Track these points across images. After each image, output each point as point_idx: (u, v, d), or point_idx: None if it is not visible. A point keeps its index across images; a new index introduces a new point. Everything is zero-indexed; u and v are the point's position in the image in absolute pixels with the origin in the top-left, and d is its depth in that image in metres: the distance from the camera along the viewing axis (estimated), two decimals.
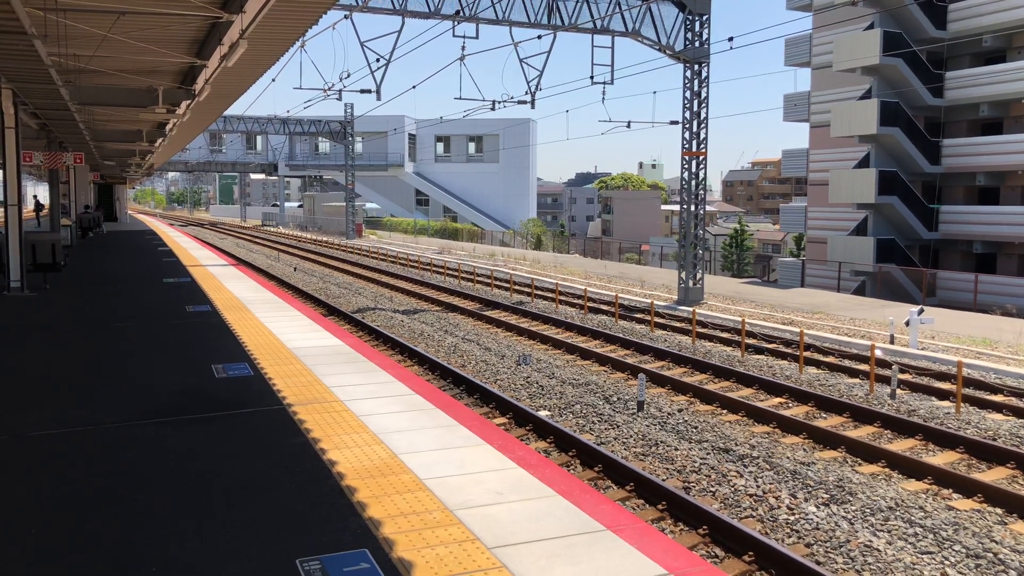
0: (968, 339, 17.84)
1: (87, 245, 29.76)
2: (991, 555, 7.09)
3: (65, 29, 9.91)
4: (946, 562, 6.97)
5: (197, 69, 13.72)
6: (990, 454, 9.85)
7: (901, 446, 10.34)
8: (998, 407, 12.17)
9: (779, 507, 8.13)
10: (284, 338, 10.85)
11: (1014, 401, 12.56)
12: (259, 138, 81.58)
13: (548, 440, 10.17)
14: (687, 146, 24.76)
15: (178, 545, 4.43)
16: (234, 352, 9.73)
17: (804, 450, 10.13)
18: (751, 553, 6.89)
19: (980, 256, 31.81)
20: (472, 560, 4.29)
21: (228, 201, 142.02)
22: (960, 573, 6.78)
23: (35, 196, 39.68)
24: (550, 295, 25.23)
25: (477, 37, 23.11)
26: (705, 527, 7.43)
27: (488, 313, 21.24)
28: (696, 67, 24.52)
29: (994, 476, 9.27)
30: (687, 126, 24.69)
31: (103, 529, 4.63)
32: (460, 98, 26.88)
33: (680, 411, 11.75)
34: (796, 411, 11.97)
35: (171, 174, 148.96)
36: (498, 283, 28.88)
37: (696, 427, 10.89)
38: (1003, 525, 7.86)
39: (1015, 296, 26.83)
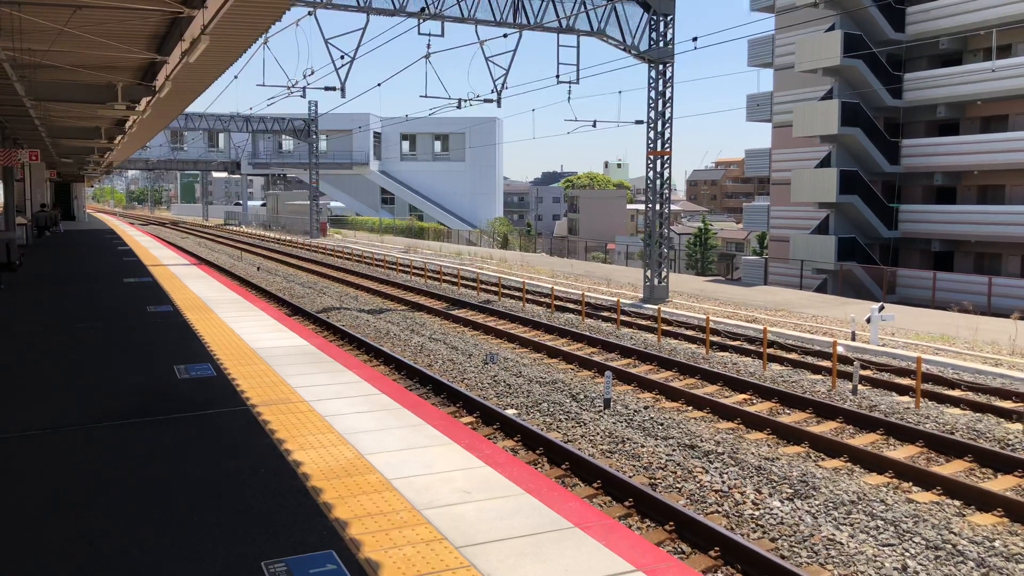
0: (927, 335, 18.19)
1: (44, 244, 29.13)
2: (950, 546, 7.23)
3: (20, 22, 9.69)
4: (907, 554, 7.10)
5: (158, 65, 13.50)
6: (949, 448, 10.05)
7: (863, 441, 10.51)
8: (956, 401, 12.42)
9: (744, 502, 8.21)
10: (248, 338, 10.72)
11: (971, 396, 12.83)
12: (221, 136, 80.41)
13: (516, 438, 10.17)
14: (652, 145, 24.92)
15: (140, 548, 4.34)
16: (197, 352, 9.59)
17: (768, 446, 10.25)
18: (717, 548, 6.96)
19: (938, 254, 32.46)
20: (440, 560, 4.27)
21: (190, 200, 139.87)
22: (920, 564, 6.91)
23: None
24: (517, 294, 25.24)
25: (443, 35, 23.14)
26: (672, 523, 7.49)
27: (455, 312, 21.19)
28: (661, 67, 24.69)
29: (953, 469, 9.45)
30: (652, 126, 24.85)
31: (63, 533, 4.53)
32: (426, 96, 26.82)
33: (646, 408, 11.82)
34: (760, 407, 12.10)
35: (131, 172, 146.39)
36: (465, 282, 28.81)
37: (662, 424, 10.96)
38: (961, 517, 8.03)
39: (972, 293, 27.41)
